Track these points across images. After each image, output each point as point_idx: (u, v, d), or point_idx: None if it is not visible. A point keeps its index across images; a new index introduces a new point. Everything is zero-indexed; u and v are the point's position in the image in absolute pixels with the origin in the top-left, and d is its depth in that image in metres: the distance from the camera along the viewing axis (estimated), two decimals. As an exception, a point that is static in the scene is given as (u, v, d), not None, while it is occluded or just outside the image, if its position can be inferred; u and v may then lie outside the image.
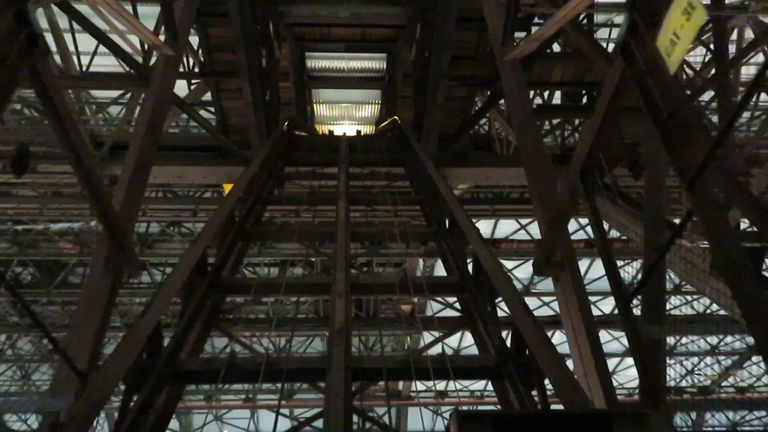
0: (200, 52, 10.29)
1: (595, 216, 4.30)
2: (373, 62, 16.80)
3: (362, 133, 12.30)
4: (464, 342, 22.62)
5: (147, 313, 4.11)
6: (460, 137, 10.71)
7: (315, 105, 18.78)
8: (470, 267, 5.54)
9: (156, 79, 6.03)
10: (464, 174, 11.20)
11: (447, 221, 6.84)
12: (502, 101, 11.32)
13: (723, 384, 23.76)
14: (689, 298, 21.57)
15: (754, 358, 22.14)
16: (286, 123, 11.20)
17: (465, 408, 2.03)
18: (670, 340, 21.86)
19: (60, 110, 3.72)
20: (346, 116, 19.66)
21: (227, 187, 11.89)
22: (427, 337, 22.19)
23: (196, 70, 10.69)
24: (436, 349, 5.21)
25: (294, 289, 5.55)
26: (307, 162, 9.64)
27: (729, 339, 22.76)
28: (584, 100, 11.27)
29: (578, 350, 4.94)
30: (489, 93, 10.48)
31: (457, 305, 5.80)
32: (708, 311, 21.58)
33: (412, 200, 7.95)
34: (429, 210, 7.63)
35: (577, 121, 12.27)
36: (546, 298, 21.15)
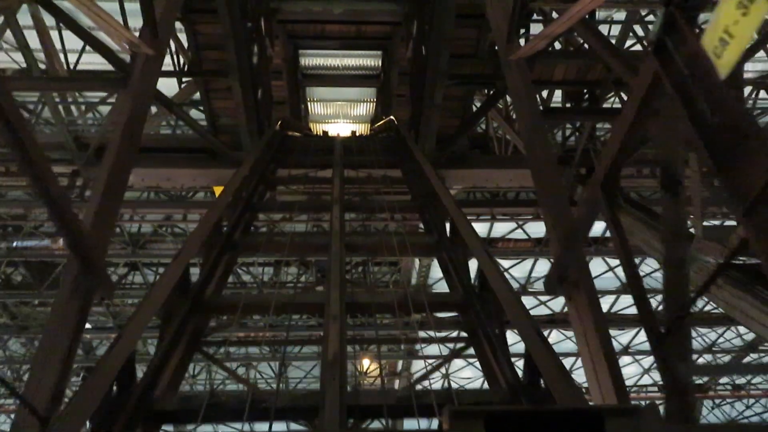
0: (189, 50, 9.73)
1: (621, 236, 3.78)
2: (368, 60, 16.29)
3: (357, 134, 11.76)
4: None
5: (117, 344, 3.60)
6: (459, 138, 10.21)
7: (309, 103, 18.28)
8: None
9: (134, 80, 5.50)
10: (462, 175, 10.71)
11: (447, 229, 6.41)
12: (502, 100, 10.87)
13: (721, 381, 23.54)
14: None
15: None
16: (279, 123, 10.68)
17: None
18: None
19: (10, 115, 3.20)
20: (340, 114, 19.18)
21: (218, 190, 11.37)
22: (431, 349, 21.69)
23: (186, 68, 10.12)
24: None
25: (284, 309, 5.05)
26: (300, 164, 9.14)
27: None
28: (586, 99, 10.78)
29: (596, 377, 4.44)
30: (489, 92, 9.97)
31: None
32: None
33: (411, 207, 7.45)
34: (428, 216, 7.14)
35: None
36: (543, 297, 20.83)
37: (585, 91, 10.05)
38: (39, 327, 21.15)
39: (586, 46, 8.66)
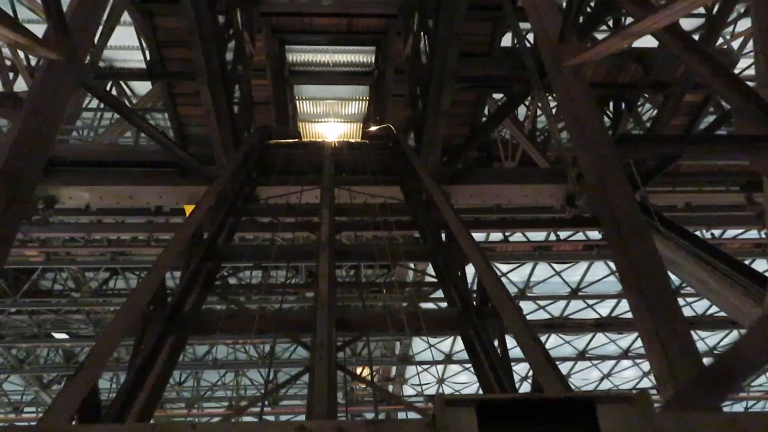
0: (148, 48, 7.77)
1: None
2: (360, 56, 14.35)
3: (350, 141, 9.85)
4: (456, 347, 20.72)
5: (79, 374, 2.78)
6: (468, 149, 8.37)
7: (297, 102, 16.35)
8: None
9: (32, 94, 3.64)
10: (470, 191, 8.85)
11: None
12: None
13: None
14: (689, 300, 19.89)
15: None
16: (259, 132, 8.77)
17: None
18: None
19: None
20: (331, 113, 17.28)
21: (188, 209, 9.48)
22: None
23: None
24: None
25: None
26: (283, 182, 7.29)
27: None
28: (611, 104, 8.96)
29: None
30: (504, 97, 8.09)
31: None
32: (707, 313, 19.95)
33: (419, 252, 5.62)
34: (442, 262, 5.33)
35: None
36: (542, 302, 19.38)
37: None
38: (16, 335, 19.41)
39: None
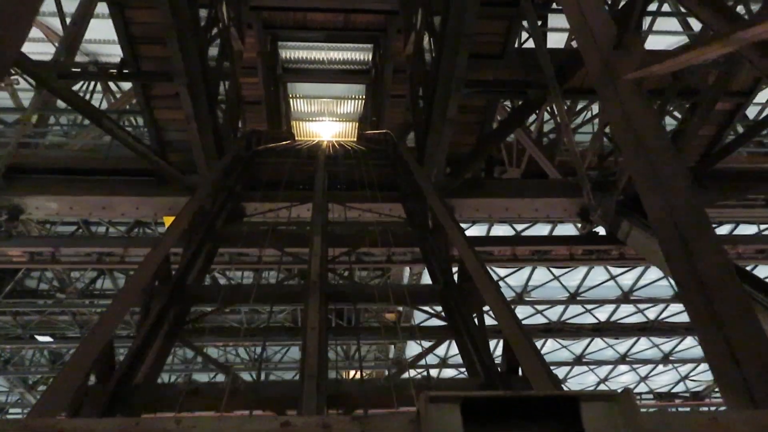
0: (120, 44, 6.72)
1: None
2: (357, 53, 13.36)
3: (345, 150, 8.86)
4: (451, 351, 19.90)
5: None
6: (476, 160, 7.42)
7: (291, 100, 15.36)
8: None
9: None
10: (476, 205, 7.93)
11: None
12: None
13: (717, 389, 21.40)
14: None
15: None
16: (245, 138, 7.79)
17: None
18: (668, 346, 19.07)
19: None
20: (326, 112, 16.30)
21: (168, 221, 8.50)
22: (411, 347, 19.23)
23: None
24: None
25: None
26: (270, 197, 6.34)
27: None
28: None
29: None
30: (520, 103, 7.12)
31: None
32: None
33: (427, 294, 4.65)
34: (455, 305, 4.37)
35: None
36: (540, 306, 18.57)
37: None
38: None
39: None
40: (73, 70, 7.71)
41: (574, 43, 10.13)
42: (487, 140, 7.47)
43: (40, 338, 17.77)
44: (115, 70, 6.76)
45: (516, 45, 7.05)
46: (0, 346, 18.41)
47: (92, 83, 11.50)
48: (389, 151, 8.07)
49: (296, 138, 14.07)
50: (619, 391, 1.63)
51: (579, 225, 8.76)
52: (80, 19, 7.22)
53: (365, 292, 4.51)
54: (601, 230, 8.16)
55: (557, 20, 9.04)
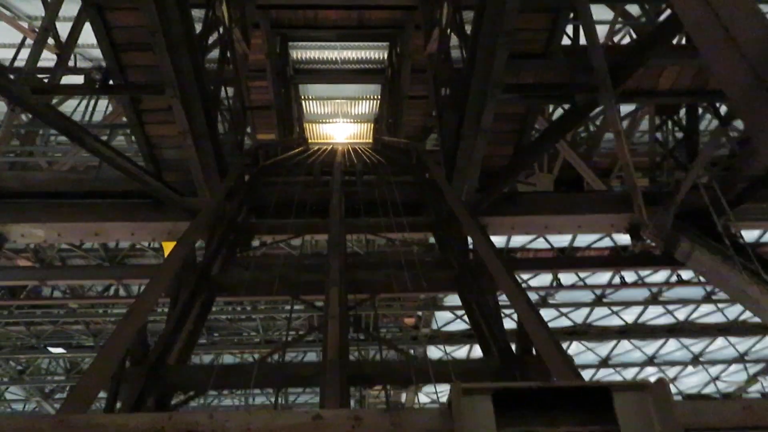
0: (101, 51, 5.62)
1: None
2: (372, 52, 12.23)
3: (364, 162, 7.74)
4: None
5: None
6: (514, 174, 6.29)
7: (303, 102, 14.28)
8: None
9: None
10: (511, 222, 6.81)
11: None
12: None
13: (749, 390, 20.18)
14: (720, 305, 17.91)
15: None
16: (251, 154, 6.70)
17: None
18: (698, 347, 17.91)
19: None
20: (339, 113, 15.20)
21: (167, 247, 7.46)
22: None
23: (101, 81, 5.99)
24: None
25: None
26: (277, 229, 5.27)
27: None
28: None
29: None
30: (565, 109, 5.95)
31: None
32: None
33: (476, 370, 3.55)
34: (519, 372, 3.31)
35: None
36: (564, 309, 17.51)
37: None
38: (14, 347, 17.63)
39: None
40: (62, 83, 6.69)
41: (616, 39, 8.93)
42: (525, 152, 6.31)
43: (53, 350, 17.00)
44: (97, 84, 5.67)
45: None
46: (14, 356, 17.69)
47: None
48: (413, 167, 6.95)
49: (309, 142, 13.01)
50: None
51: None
52: (51, 25, 6.17)
53: (396, 369, 3.43)
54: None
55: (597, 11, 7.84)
